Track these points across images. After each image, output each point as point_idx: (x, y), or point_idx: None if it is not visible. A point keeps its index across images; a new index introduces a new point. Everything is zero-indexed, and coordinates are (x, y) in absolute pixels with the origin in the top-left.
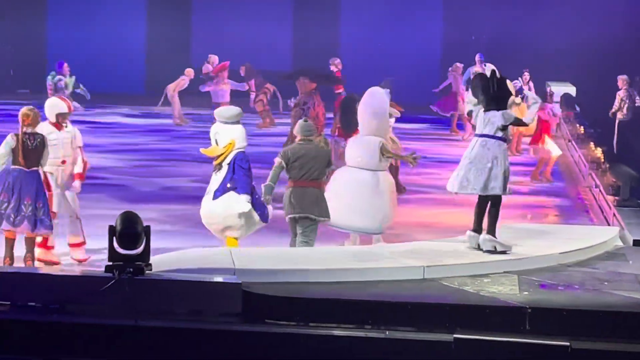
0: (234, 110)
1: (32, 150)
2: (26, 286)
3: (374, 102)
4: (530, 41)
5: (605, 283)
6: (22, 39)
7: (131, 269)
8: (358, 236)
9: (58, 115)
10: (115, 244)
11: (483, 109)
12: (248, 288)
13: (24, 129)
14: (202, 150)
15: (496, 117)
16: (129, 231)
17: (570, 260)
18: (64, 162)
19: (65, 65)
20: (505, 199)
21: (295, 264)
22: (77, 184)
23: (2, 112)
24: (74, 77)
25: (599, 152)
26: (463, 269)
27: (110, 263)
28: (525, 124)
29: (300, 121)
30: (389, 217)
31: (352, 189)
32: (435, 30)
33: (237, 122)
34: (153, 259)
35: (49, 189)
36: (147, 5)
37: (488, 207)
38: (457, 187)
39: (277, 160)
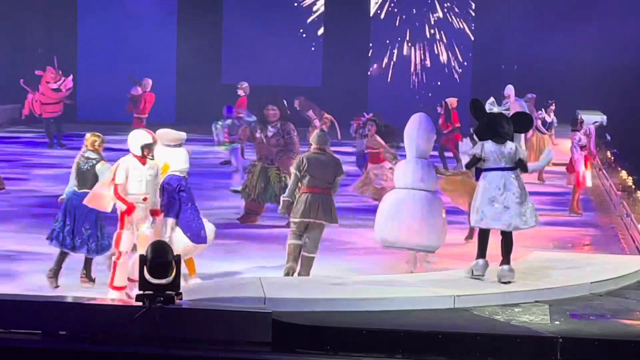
0: (174, 134)
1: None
2: (57, 315)
3: (427, 126)
4: (560, 69)
5: (637, 313)
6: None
7: (162, 298)
8: (416, 254)
9: (144, 147)
10: (146, 273)
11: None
12: (278, 317)
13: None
14: None
15: (517, 150)
16: (160, 260)
17: (602, 290)
18: (145, 199)
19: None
20: (536, 228)
21: (325, 293)
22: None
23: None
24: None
25: (630, 181)
26: (494, 299)
27: (141, 292)
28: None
29: (317, 131)
30: (445, 234)
31: (414, 209)
32: (464, 58)
33: (179, 145)
34: (183, 288)
35: (122, 226)
36: (178, 29)
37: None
38: (521, 223)
39: (292, 171)
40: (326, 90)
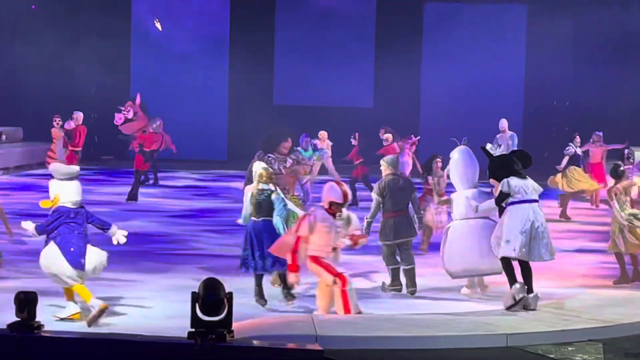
0: (67, 168)
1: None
2: (111, 352)
3: (474, 160)
4: (611, 105)
5: None
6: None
7: (213, 336)
8: (478, 279)
9: (332, 204)
10: (198, 311)
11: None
12: (330, 355)
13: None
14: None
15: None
16: (212, 297)
17: None
18: (334, 249)
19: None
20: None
21: (377, 331)
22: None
23: (89, 177)
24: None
25: None
26: (546, 337)
27: (193, 330)
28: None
29: (393, 156)
30: None
31: (480, 237)
32: (517, 93)
33: (70, 179)
34: (235, 326)
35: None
36: (230, 59)
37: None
38: (546, 254)
39: (374, 196)
40: (378, 112)
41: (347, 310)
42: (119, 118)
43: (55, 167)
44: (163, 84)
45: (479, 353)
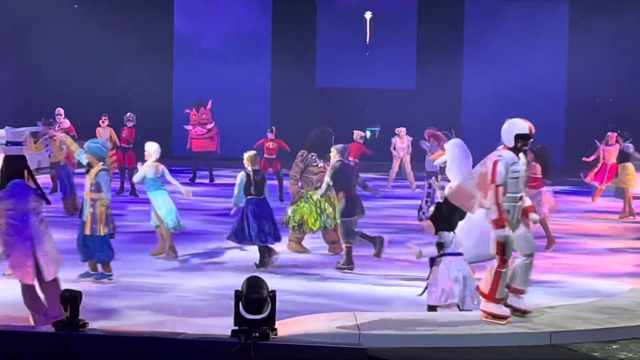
0: None
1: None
2: (155, 351)
3: (468, 153)
4: None
5: None
6: (150, 102)
7: (257, 334)
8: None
9: (517, 138)
10: (241, 309)
11: None
12: (374, 353)
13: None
14: None
15: None
16: (255, 296)
17: None
18: (521, 197)
19: None
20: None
21: (419, 329)
22: (534, 217)
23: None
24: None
25: None
26: (591, 335)
27: (236, 328)
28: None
29: (342, 145)
30: None
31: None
32: (559, 87)
33: None
34: (278, 324)
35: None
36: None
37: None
38: None
39: (326, 179)
40: (420, 94)
41: (492, 293)
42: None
43: None
44: (205, 81)
45: (522, 351)
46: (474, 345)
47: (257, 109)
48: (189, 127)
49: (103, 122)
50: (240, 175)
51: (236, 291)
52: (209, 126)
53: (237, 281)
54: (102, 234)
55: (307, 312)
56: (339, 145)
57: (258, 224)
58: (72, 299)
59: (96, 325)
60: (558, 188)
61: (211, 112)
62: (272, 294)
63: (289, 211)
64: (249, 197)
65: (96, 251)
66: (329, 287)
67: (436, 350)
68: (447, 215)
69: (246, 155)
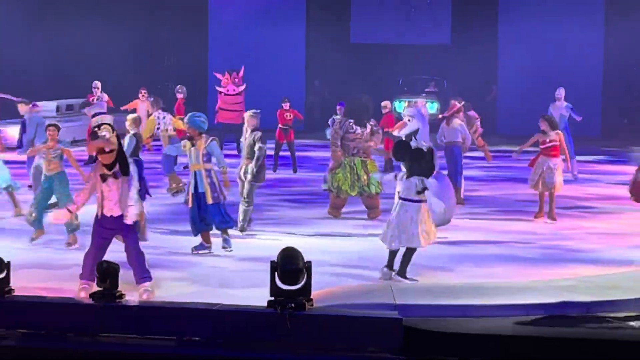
0: None
1: None
2: (191, 321)
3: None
4: None
5: None
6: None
7: (292, 304)
8: None
9: None
10: (277, 280)
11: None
12: (409, 324)
13: None
14: None
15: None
16: (291, 267)
17: None
18: None
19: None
20: None
21: (455, 299)
22: None
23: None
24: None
25: None
26: (629, 305)
27: (272, 298)
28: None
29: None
30: None
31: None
32: (596, 60)
33: None
34: (314, 294)
35: None
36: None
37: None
38: None
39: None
40: (455, 49)
41: None
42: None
43: None
44: (239, 43)
45: (558, 321)
46: (510, 314)
47: (292, 67)
48: (220, 89)
49: (142, 95)
50: (130, 138)
51: (272, 262)
52: (240, 88)
53: (273, 252)
54: (224, 200)
55: (343, 282)
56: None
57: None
58: (110, 271)
59: (132, 297)
60: (596, 158)
61: (243, 79)
62: (308, 265)
63: (328, 177)
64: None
65: (219, 219)
66: (367, 256)
67: (471, 320)
68: (426, 164)
69: (131, 117)
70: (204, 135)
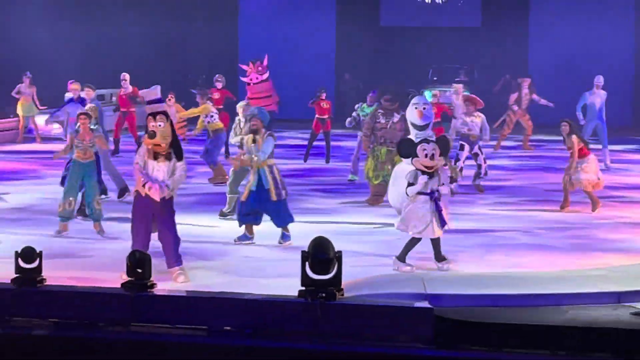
0: None
1: None
2: (222, 311)
3: None
4: None
5: None
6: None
7: (323, 294)
8: None
9: None
10: (308, 269)
11: None
12: (440, 313)
13: None
14: None
15: None
16: (322, 257)
17: None
18: None
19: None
20: None
21: (486, 289)
22: None
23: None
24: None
25: None
26: None
27: (303, 288)
28: None
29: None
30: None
31: None
32: (627, 45)
33: None
34: (344, 284)
35: None
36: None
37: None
38: None
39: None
40: (485, 32)
41: None
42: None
43: None
44: (269, 31)
45: (589, 311)
46: (541, 304)
47: (322, 51)
48: (245, 79)
49: (169, 100)
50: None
51: (303, 252)
52: (264, 76)
53: (304, 242)
54: (285, 197)
55: (374, 272)
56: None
57: None
58: (142, 260)
59: (163, 286)
60: (627, 147)
61: (267, 68)
62: (339, 254)
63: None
64: None
65: (284, 215)
66: (398, 245)
67: (503, 310)
68: None
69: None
70: (264, 129)
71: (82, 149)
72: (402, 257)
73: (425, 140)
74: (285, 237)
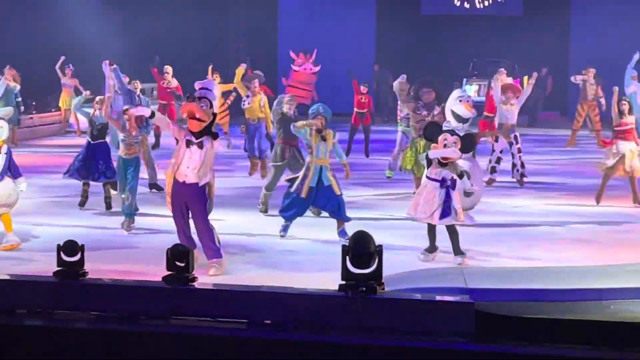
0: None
1: None
2: (263, 304)
3: None
4: None
5: None
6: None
7: (364, 288)
8: None
9: None
10: (348, 263)
11: None
12: (481, 308)
13: None
14: None
15: None
16: (362, 251)
17: None
18: None
19: None
20: None
21: (529, 283)
22: None
23: None
24: None
25: None
26: None
27: (343, 282)
28: None
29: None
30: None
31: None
32: None
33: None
34: (385, 278)
35: None
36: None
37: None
38: None
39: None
40: (527, 21)
41: None
42: (308, 68)
43: None
44: (309, 23)
45: (631, 307)
46: (581, 299)
47: (363, 41)
48: (295, 68)
49: (215, 78)
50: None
51: (343, 246)
52: (317, 69)
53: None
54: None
55: (415, 266)
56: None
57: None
58: (183, 254)
59: (203, 279)
60: None
61: (315, 62)
62: (379, 248)
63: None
64: None
65: (342, 210)
66: (438, 239)
67: (546, 304)
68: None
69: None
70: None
71: (127, 144)
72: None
73: (451, 131)
74: (344, 233)
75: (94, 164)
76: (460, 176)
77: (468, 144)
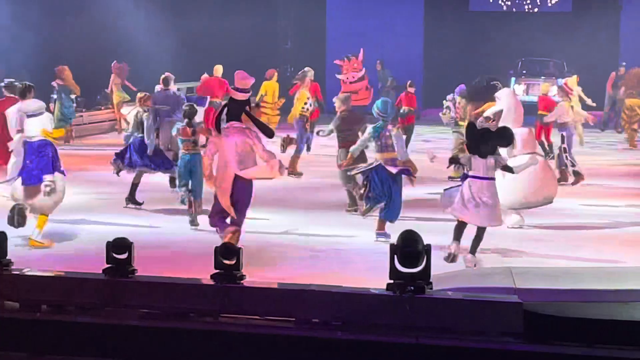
0: (35, 104)
1: None
2: (310, 303)
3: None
4: None
5: None
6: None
7: (412, 288)
8: None
9: None
10: (396, 262)
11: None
12: (530, 308)
13: None
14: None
15: None
16: (410, 250)
17: None
18: None
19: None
20: None
21: (578, 283)
22: None
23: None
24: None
25: None
26: None
27: (391, 281)
28: None
29: (345, 95)
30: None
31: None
32: None
33: (40, 114)
34: (433, 277)
35: None
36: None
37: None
38: None
39: (332, 127)
40: (576, 17)
41: None
42: (351, 76)
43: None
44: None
45: None
46: (631, 301)
47: (410, 39)
48: (341, 77)
49: (270, 75)
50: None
51: (391, 245)
52: (360, 74)
53: (393, 236)
54: None
55: (463, 266)
56: (342, 95)
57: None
58: (232, 252)
59: (253, 277)
60: None
61: (363, 63)
62: (427, 248)
63: None
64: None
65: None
66: (486, 238)
67: (595, 305)
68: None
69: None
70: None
71: (187, 143)
72: (472, 250)
73: (488, 130)
74: (384, 235)
75: (146, 156)
76: (509, 170)
77: (507, 137)
